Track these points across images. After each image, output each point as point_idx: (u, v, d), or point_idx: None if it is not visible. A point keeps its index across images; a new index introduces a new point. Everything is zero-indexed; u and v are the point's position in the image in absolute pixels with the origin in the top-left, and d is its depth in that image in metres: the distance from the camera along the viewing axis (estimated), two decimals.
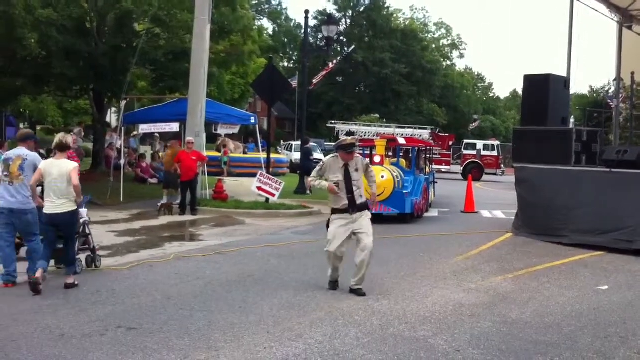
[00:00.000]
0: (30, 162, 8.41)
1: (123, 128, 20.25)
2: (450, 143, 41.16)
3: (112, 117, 32.44)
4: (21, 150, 8.53)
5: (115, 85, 21.40)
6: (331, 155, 8.72)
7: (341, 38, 72.49)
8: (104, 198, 16.94)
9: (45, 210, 8.16)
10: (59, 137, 8.44)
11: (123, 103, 20.15)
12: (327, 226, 8.55)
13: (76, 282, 8.27)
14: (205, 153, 18.17)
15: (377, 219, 15.44)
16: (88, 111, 30.30)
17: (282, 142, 47.42)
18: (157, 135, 25.52)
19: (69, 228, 8.37)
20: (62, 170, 8.12)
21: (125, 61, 20.42)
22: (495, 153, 39.75)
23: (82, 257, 9.13)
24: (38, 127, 39.41)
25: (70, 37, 19.35)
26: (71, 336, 6.22)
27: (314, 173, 8.72)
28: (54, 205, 8.11)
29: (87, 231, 9.31)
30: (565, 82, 15.06)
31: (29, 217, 8.37)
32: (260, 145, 24.11)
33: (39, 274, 7.88)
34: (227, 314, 7.13)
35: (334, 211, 8.44)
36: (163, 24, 20.93)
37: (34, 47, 17.90)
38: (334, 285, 8.52)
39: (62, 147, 8.33)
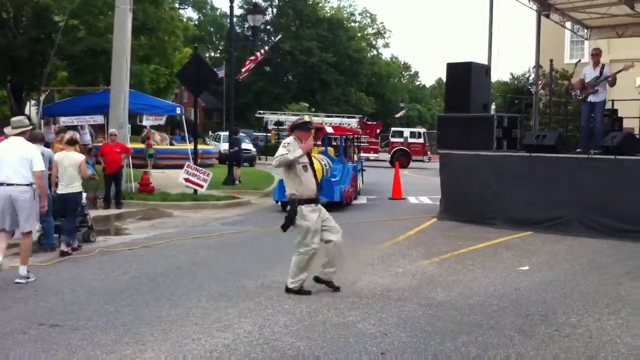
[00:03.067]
0: (47, 156, 10.18)
1: (42, 120, 19.59)
2: (378, 131, 41.69)
3: (31, 110, 31.29)
4: (41, 148, 9.93)
5: (34, 77, 20.72)
6: (289, 138, 7.79)
7: (268, 27, 72.16)
8: None
9: (58, 191, 10.20)
10: (69, 134, 10.96)
11: (43, 95, 19.48)
12: (290, 222, 7.52)
13: (70, 252, 10.00)
14: (130, 145, 17.79)
15: None
16: (5, 101, 29.20)
17: (210, 132, 46.90)
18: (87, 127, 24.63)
19: (73, 204, 10.25)
20: (72, 161, 10.14)
21: (44, 53, 19.78)
22: (421, 140, 40.46)
23: (79, 234, 10.80)
24: None
25: None
26: None
27: (281, 151, 7.55)
28: (65, 187, 10.11)
29: (85, 212, 11.23)
30: (486, 69, 15.44)
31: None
32: (187, 136, 23.79)
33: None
34: (154, 308, 7.03)
35: (305, 202, 7.55)
36: (82, 19, 20.33)
37: None
38: (307, 290, 7.66)
39: (72, 142, 10.46)
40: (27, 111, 25.99)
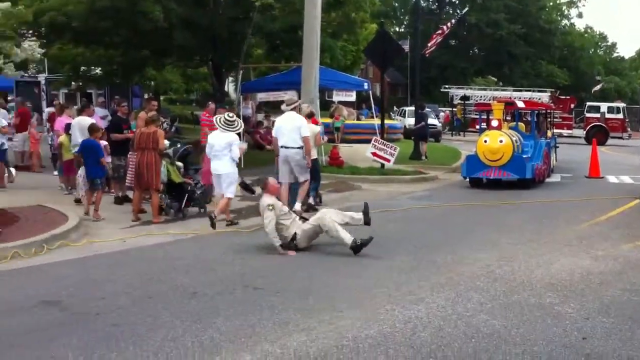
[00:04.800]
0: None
1: (241, 96, 20.78)
2: (572, 106, 39.36)
3: (229, 86, 33.29)
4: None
5: (233, 55, 21.91)
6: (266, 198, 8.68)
7: (453, 0, 70.55)
8: None
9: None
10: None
11: (240, 72, 20.59)
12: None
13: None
14: (320, 120, 18.32)
15: (495, 185, 15.26)
16: (206, 77, 31.21)
17: (395, 107, 47.01)
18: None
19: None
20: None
21: (242, 32, 20.83)
22: (620, 116, 37.67)
23: None
24: (162, 98, 41.10)
25: (189, 9, 19.94)
26: (203, 293, 6.55)
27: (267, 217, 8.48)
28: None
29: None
30: None
31: None
32: (374, 111, 24.05)
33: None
34: (348, 277, 7.25)
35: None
36: None
37: (158, 18, 18.52)
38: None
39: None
40: (225, 88, 27.62)
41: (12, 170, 15.78)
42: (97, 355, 4.92)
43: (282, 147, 11.02)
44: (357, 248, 8.25)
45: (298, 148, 10.89)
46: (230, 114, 11.05)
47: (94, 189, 10.99)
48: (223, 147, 10.48)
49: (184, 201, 11.16)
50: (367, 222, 8.68)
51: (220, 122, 10.74)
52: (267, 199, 8.55)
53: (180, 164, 11.43)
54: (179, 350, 5.03)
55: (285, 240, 8.44)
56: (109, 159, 12.15)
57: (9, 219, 9.77)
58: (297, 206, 10.75)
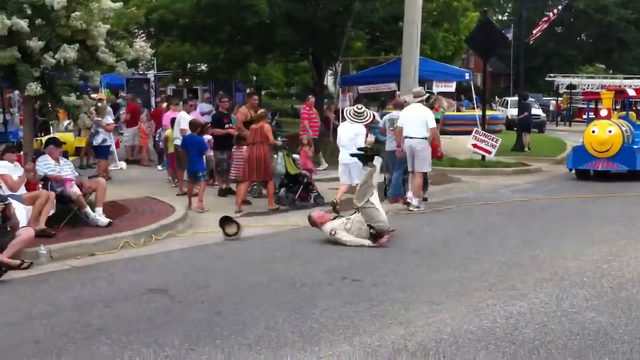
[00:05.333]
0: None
1: (340, 89, 20.88)
2: None
3: (328, 80, 33.51)
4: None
5: (333, 48, 22.06)
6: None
7: None
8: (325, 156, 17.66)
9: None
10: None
11: (339, 65, 20.69)
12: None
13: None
14: None
15: (603, 177, 14.63)
16: (306, 70, 31.57)
17: (496, 98, 45.84)
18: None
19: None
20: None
21: (342, 24, 20.93)
22: None
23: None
24: (263, 92, 41.91)
25: (292, 3, 20.23)
26: (302, 284, 6.67)
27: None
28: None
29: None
30: None
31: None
32: (474, 102, 23.57)
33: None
34: (447, 270, 7.17)
35: None
36: None
37: (264, 12, 18.86)
38: None
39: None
40: (325, 81, 27.87)
41: (123, 163, 16.62)
42: (202, 342, 5.12)
43: (406, 137, 11.20)
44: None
45: (422, 138, 11.10)
46: (359, 106, 11.70)
47: (195, 181, 11.41)
48: (350, 137, 11.08)
49: (300, 191, 11.61)
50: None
51: (349, 114, 11.37)
52: (327, 228, 8.65)
53: (296, 155, 11.91)
54: (279, 340, 5.14)
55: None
56: (211, 153, 12.57)
57: (119, 211, 10.28)
58: (409, 194, 11.14)
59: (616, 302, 5.98)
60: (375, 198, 8.77)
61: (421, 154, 11.16)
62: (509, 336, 5.17)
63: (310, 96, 16.60)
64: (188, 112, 13.68)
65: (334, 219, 8.88)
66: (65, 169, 9.63)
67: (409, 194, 11.16)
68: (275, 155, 11.48)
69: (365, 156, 9.81)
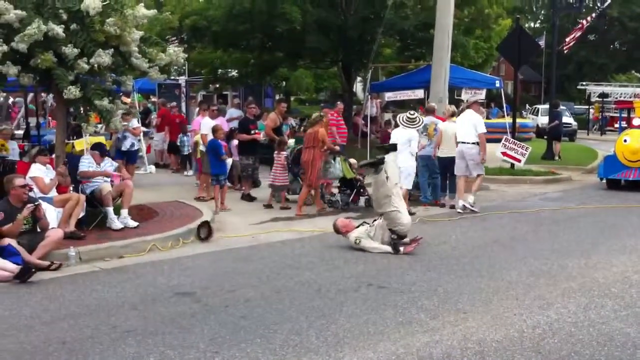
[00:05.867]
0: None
1: (369, 95, 20.88)
2: None
3: (357, 86, 33.49)
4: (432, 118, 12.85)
5: (363, 55, 22.07)
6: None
7: None
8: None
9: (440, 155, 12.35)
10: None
11: (370, 72, 20.68)
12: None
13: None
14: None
15: (634, 187, 14.39)
16: (335, 75, 31.59)
17: (527, 105, 45.40)
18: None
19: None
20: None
21: (372, 31, 20.93)
22: None
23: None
24: (292, 98, 42.00)
25: (324, 10, 20.31)
26: (327, 290, 6.68)
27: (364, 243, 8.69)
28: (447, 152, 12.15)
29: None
30: None
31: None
32: (505, 109, 23.39)
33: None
34: (474, 279, 7.13)
35: None
36: None
37: (297, 20, 18.97)
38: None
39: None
40: (354, 88, 27.86)
41: (152, 167, 16.80)
42: (226, 345, 5.15)
43: (459, 142, 11.83)
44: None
45: (473, 143, 11.69)
46: (412, 112, 12.14)
47: (217, 184, 11.67)
48: (403, 142, 11.30)
49: (352, 195, 12.11)
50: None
51: (402, 120, 11.72)
52: (352, 236, 8.67)
53: (353, 160, 12.32)
54: (303, 345, 5.16)
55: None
56: (236, 158, 12.77)
57: (148, 214, 10.40)
58: (470, 198, 11.63)
59: None
60: (399, 201, 8.72)
61: (472, 158, 11.72)
62: (536, 346, 5.12)
63: (338, 102, 16.58)
64: (212, 118, 13.82)
65: (359, 226, 8.87)
66: (108, 167, 10.06)
67: (470, 198, 11.65)
68: (332, 160, 11.89)
69: (372, 164, 9.77)
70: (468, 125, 11.79)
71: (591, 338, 5.28)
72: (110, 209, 9.40)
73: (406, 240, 8.56)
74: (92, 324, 5.71)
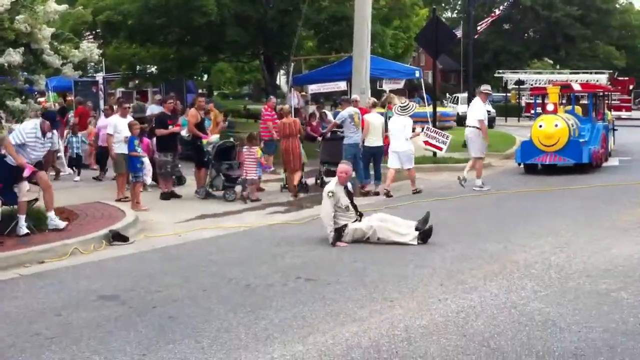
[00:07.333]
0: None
1: (292, 88, 20.90)
2: (631, 87, 38.22)
3: (280, 79, 33.46)
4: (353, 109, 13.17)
5: (284, 48, 22.05)
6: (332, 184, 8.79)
7: None
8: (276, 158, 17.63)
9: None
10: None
11: (292, 65, 20.70)
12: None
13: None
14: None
15: (551, 171, 14.96)
16: (258, 68, 31.46)
17: (447, 95, 46.46)
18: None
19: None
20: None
21: (292, 24, 20.93)
22: None
23: None
24: (215, 93, 41.63)
25: (240, 3, 20.15)
26: (256, 285, 6.65)
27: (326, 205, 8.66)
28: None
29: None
30: None
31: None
32: (425, 99, 23.84)
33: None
34: (400, 267, 7.24)
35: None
36: None
37: (214, 13, 18.74)
38: None
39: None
40: (277, 81, 27.86)
41: (70, 170, 16.30)
42: (154, 347, 5.06)
43: (466, 126, 13.60)
44: (424, 238, 8.35)
45: (473, 127, 13.19)
46: (403, 100, 13.78)
47: (135, 181, 11.53)
48: (399, 129, 12.58)
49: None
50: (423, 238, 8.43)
51: (397, 110, 12.90)
52: (331, 185, 8.68)
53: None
54: (232, 342, 5.12)
55: (337, 226, 8.46)
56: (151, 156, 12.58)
57: (68, 216, 10.07)
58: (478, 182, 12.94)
59: (563, 293, 6.13)
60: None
61: (471, 140, 13.26)
62: (460, 329, 5.25)
63: (271, 97, 16.55)
64: (123, 117, 13.24)
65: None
66: (47, 144, 9.21)
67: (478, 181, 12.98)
68: None
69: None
70: (472, 111, 13.42)
71: (513, 319, 5.46)
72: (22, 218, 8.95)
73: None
74: (14, 332, 5.50)
